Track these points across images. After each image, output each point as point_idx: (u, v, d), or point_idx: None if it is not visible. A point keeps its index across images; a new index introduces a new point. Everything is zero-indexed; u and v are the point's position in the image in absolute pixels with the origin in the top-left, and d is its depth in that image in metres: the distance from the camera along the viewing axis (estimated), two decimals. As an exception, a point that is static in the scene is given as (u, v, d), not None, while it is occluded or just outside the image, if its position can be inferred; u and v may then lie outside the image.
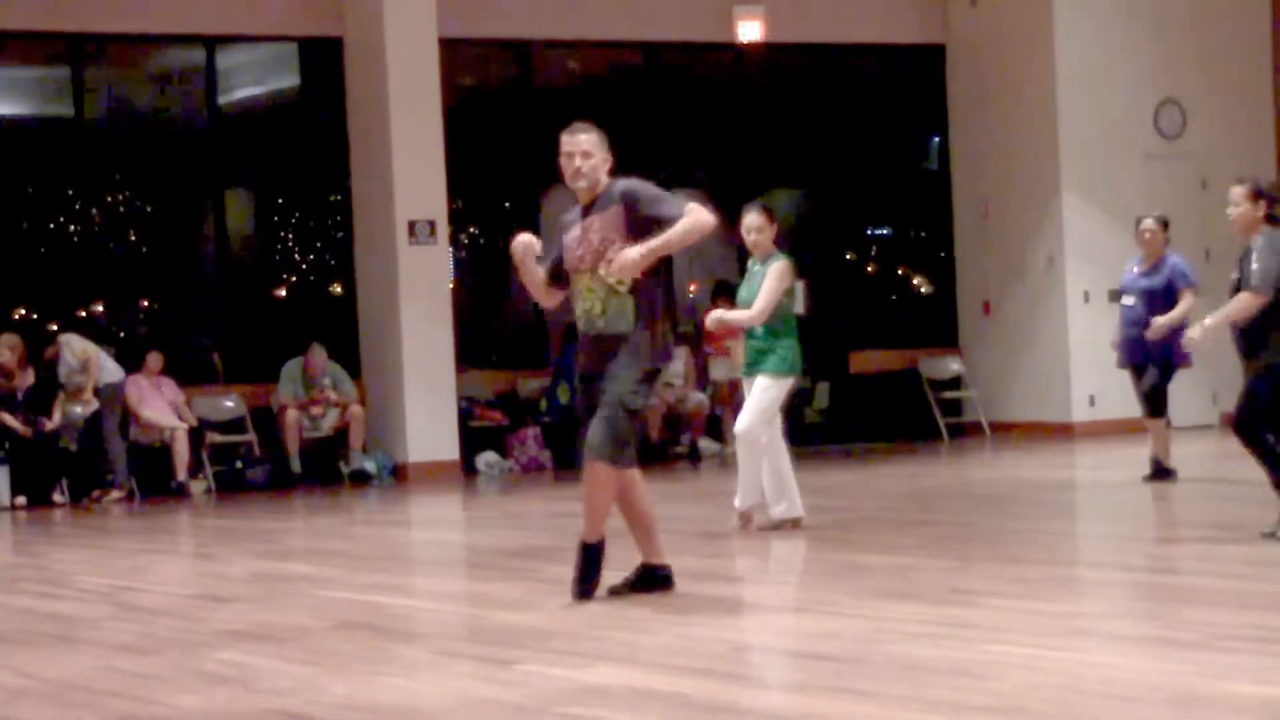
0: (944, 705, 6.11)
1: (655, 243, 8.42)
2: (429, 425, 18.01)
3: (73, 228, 18.90)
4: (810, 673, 6.79)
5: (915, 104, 21.46)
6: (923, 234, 21.95)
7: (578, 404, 8.87)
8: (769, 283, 11.34)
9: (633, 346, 8.51)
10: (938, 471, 17.36)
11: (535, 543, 11.87)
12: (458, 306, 18.51)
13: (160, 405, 17.49)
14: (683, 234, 8.41)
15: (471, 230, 20.30)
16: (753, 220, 11.52)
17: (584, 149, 8.67)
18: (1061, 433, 19.45)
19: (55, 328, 18.24)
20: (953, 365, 20.86)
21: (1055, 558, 10.34)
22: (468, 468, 18.23)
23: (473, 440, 18.51)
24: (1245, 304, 9.68)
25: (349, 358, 18.43)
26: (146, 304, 19.36)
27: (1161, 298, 13.26)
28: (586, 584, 8.69)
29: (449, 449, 18.08)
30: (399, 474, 17.93)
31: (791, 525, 11.40)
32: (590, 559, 8.71)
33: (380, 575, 10.72)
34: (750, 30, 19.49)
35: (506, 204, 20.49)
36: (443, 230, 18.13)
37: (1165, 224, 13.72)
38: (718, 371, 19.39)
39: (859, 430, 20.35)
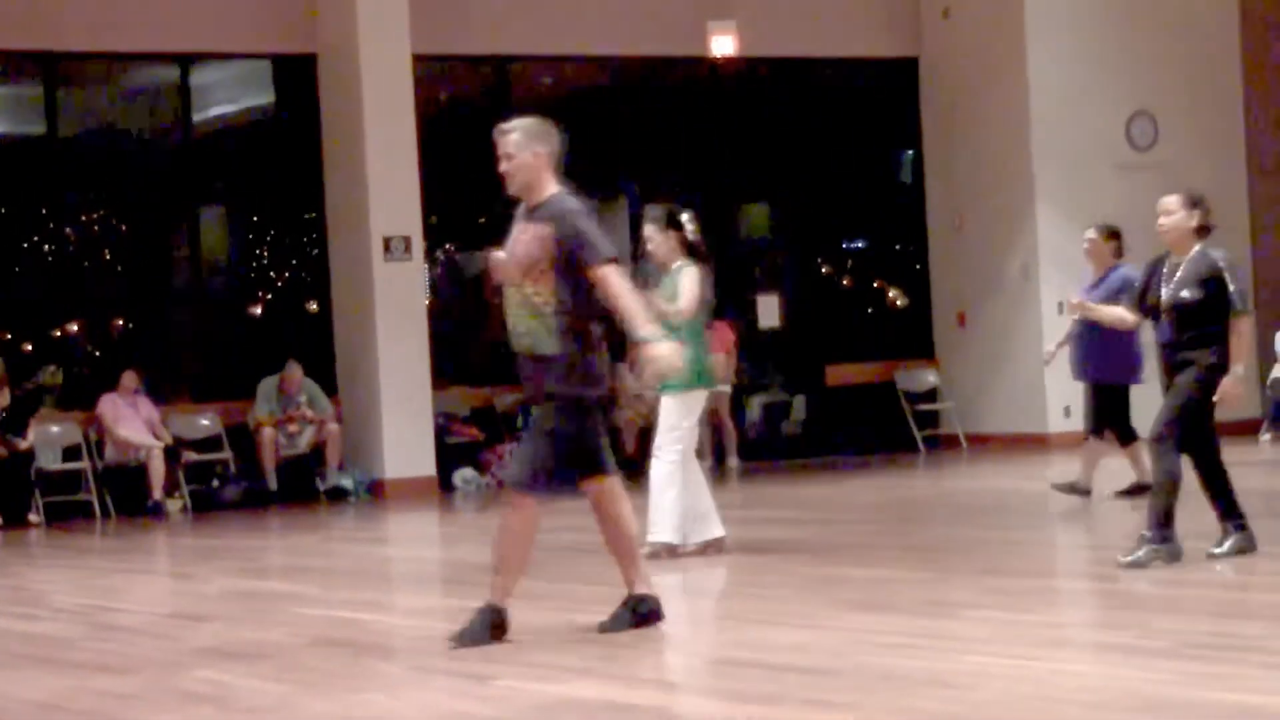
0: (921, 715, 6.13)
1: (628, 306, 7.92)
2: (406, 442, 18.00)
3: (47, 246, 18.87)
4: (786, 684, 6.81)
5: (888, 117, 21.52)
6: (897, 247, 22.00)
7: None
8: (689, 281, 10.89)
9: (556, 374, 7.97)
10: (914, 483, 17.39)
11: (512, 558, 11.84)
12: (433, 322, 18.51)
13: (136, 424, 17.46)
14: (625, 307, 7.89)
15: (447, 246, 20.30)
16: (651, 228, 11.13)
17: (506, 151, 8.13)
18: (1037, 444, 19.49)
19: (29, 347, 18.22)
20: (929, 377, 20.90)
21: (1031, 568, 10.36)
22: (445, 484, 18.21)
23: (450, 456, 18.50)
24: (1245, 330, 9.43)
25: (325, 375, 18.42)
26: (121, 322, 19.32)
27: None
28: (465, 640, 7.93)
29: (426, 465, 18.07)
30: (376, 491, 17.91)
31: (666, 553, 10.93)
32: (482, 622, 7.98)
33: (358, 592, 10.72)
34: (723, 44, 19.53)
35: (481, 220, 20.48)
36: (418, 246, 18.13)
37: (1112, 234, 13.35)
38: (694, 385, 19.36)
39: (836, 443, 20.38)
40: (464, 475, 18.47)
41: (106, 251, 19.15)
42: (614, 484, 8.16)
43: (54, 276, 18.58)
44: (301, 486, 17.97)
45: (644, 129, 20.51)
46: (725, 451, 19.37)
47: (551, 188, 8.10)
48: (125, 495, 17.32)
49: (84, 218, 18.95)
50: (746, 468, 19.10)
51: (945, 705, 6.24)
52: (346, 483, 17.87)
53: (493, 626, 7.96)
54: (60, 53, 18.10)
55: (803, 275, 21.35)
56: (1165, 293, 9.37)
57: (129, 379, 17.58)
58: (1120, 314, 10.01)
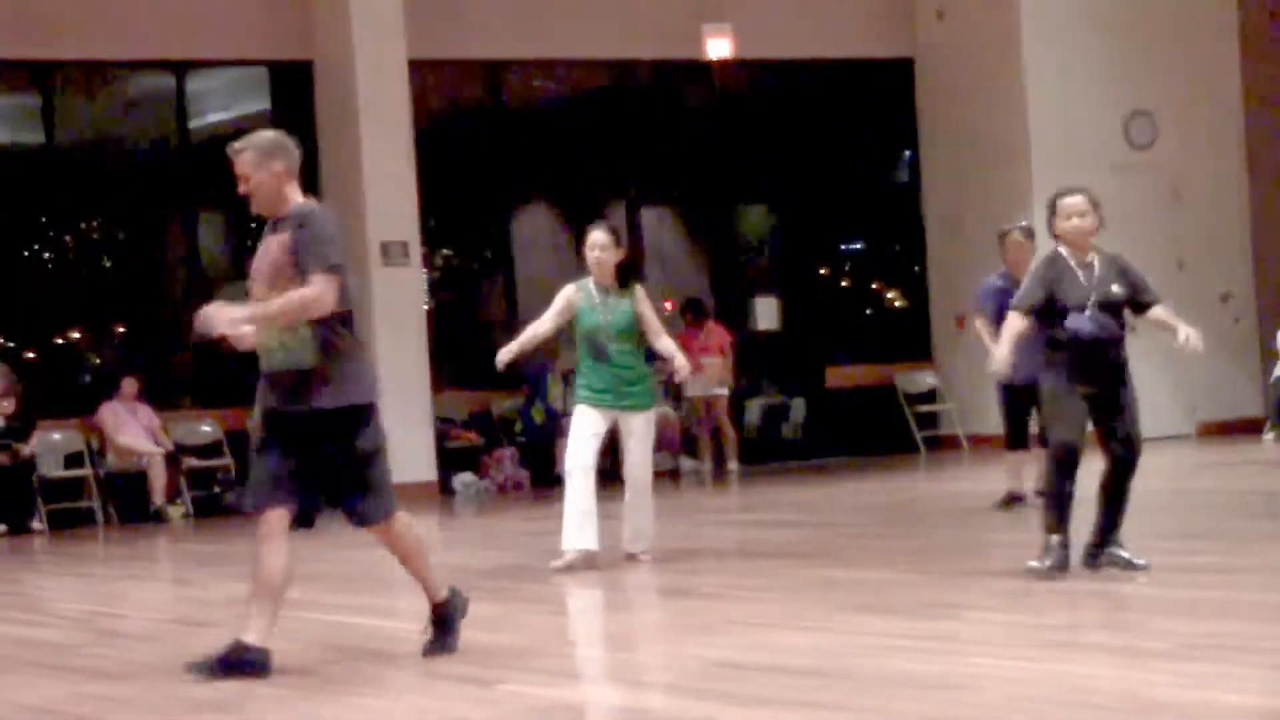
0: (922, 718, 6.13)
1: (260, 310, 7.53)
2: (405, 446, 17.91)
3: (45, 255, 18.89)
4: (784, 687, 6.81)
5: (885, 118, 21.53)
6: (895, 248, 22.02)
7: (255, 442, 7.85)
8: (650, 311, 10.92)
9: (342, 387, 7.61)
10: (915, 485, 17.39)
11: (513, 562, 11.87)
12: (432, 327, 18.52)
13: (136, 431, 17.47)
14: (293, 309, 7.43)
15: (444, 251, 20.32)
16: (599, 237, 10.93)
17: (242, 171, 7.73)
18: (1038, 445, 19.44)
19: (31, 355, 18.24)
20: (928, 379, 20.91)
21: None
22: (444, 488, 18.23)
23: (449, 461, 18.52)
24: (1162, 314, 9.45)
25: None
26: (121, 329, 19.34)
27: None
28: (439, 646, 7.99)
29: (426, 470, 18.08)
30: (376, 496, 17.87)
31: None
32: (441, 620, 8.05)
33: (360, 597, 10.73)
34: (719, 47, 19.54)
35: (479, 223, 20.54)
36: (415, 251, 18.15)
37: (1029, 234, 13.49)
38: (693, 389, 19.39)
39: (835, 445, 20.38)
40: (463, 479, 18.49)
41: (105, 258, 19.18)
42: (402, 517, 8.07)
43: (53, 284, 18.60)
44: (302, 492, 17.93)
45: (640, 132, 20.52)
46: (725, 455, 19.38)
47: (294, 200, 7.75)
48: (127, 502, 17.35)
49: (82, 225, 18.98)
50: (746, 471, 19.09)
51: (947, 708, 6.25)
52: (347, 488, 17.84)
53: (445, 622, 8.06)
54: (56, 61, 18.13)
55: (800, 277, 21.36)
56: (1092, 289, 9.36)
57: (129, 386, 17.59)
58: (1014, 328, 9.78)
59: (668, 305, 21.11)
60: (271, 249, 7.64)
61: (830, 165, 21.36)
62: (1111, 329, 9.34)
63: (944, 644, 7.60)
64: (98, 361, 19.03)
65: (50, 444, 17.45)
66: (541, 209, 20.95)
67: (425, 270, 18.80)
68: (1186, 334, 9.29)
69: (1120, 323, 9.39)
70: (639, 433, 10.89)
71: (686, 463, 19.40)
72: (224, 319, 7.51)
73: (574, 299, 10.99)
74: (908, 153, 21.58)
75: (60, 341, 18.96)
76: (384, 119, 17.99)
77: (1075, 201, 9.40)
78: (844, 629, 8.17)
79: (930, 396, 20.86)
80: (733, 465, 19.30)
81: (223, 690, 7.43)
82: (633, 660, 7.57)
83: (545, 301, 11.36)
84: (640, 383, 10.92)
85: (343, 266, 7.53)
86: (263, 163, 7.70)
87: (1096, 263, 9.36)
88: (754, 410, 20.76)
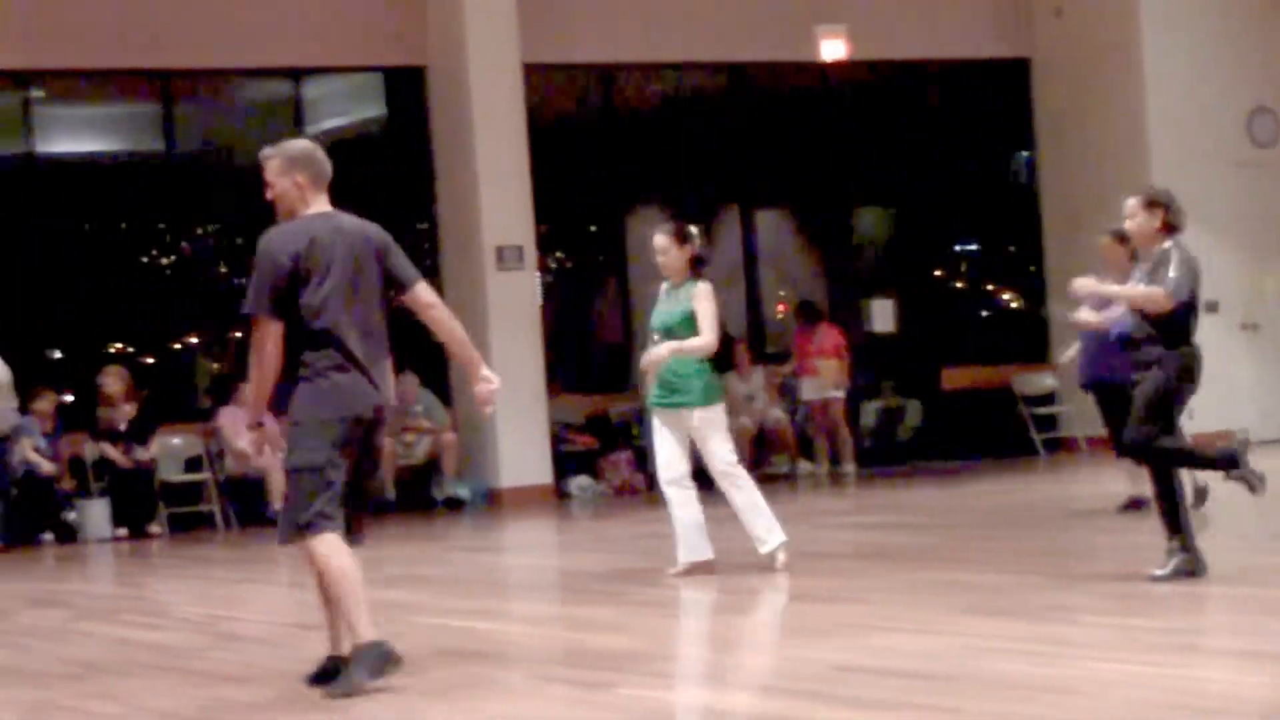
0: (1042, 723, 6.08)
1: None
2: (521, 450, 18.05)
3: (163, 261, 19.08)
4: (899, 690, 6.77)
5: (1002, 118, 21.36)
6: (1012, 248, 21.84)
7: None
8: (705, 304, 10.80)
9: (295, 402, 7.73)
10: (1032, 488, 17.23)
11: (628, 566, 11.87)
12: (547, 331, 18.55)
13: (255, 435, 17.57)
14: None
15: (558, 254, 20.35)
16: (660, 241, 10.96)
17: (268, 178, 7.85)
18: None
19: (150, 361, 18.44)
20: (1046, 380, 20.69)
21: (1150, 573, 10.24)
22: (560, 492, 18.25)
23: (565, 464, 18.54)
24: (1155, 298, 9.38)
25: (440, 385, 18.50)
26: (239, 335, 19.50)
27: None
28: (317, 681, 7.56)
29: (542, 473, 18.11)
30: (492, 499, 17.97)
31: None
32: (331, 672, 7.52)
33: (475, 600, 10.75)
34: (834, 48, 19.44)
35: (593, 227, 20.55)
36: (530, 255, 18.19)
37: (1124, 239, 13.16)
38: (808, 391, 19.34)
39: (952, 448, 20.22)
40: (579, 483, 18.50)
41: (222, 264, 19.34)
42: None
43: (171, 290, 18.79)
44: (418, 496, 18.06)
45: (754, 134, 20.47)
46: (841, 458, 19.29)
47: (316, 210, 7.82)
48: (246, 506, 17.47)
49: (199, 231, 19.15)
50: (862, 473, 19.00)
51: (1060, 712, 6.19)
52: (463, 492, 17.95)
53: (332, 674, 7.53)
54: (175, 70, 18.32)
55: (917, 278, 21.22)
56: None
57: (247, 391, 17.71)
58: (1156, 295, 9.72)
59: (781, 308, 21.06)
60: None
61: (947, 166, 21.21)
62: (1140, 328, 9.36)
63: (1059, 647, 7.52)
64: (215, 367, 19.20)
65: (170, 449, 17.62)
66: (655, 212, 20.95)
67: (539, 274, 18.82)
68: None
69: (1147, 325, 9.38)
70: (700, 430, 10.81)
71: (803, 465, 19.33)
72: None
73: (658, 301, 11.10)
74: (1025, 152, 21.40)
75: (178, 347, 19.15)
76: (498, 123, 18.04)
77: (1125, 205, 9.58)
78: (959, 631, 8.10)
79: (1049, 399, 20.65)
80: (849, 468, 19.20)
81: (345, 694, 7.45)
82: (751, 664, 7.54)
83: (651, 304, 11.35)
84: (695, 379, 10.79)
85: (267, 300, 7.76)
86: (287, 171, 7.75)
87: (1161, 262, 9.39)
88: (870, 412, 20.64)
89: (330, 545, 7.42)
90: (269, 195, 7.81)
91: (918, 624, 8.46)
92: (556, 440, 18.52)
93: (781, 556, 10.70)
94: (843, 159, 20.74)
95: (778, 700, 6.69)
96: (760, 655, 7.73)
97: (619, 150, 19.96)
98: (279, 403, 7.69)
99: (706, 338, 10.79)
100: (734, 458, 10.90)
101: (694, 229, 11.14)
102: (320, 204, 7.81)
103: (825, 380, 19.14)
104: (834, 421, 19.29)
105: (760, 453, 19.25)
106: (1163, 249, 9.43)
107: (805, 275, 21.05)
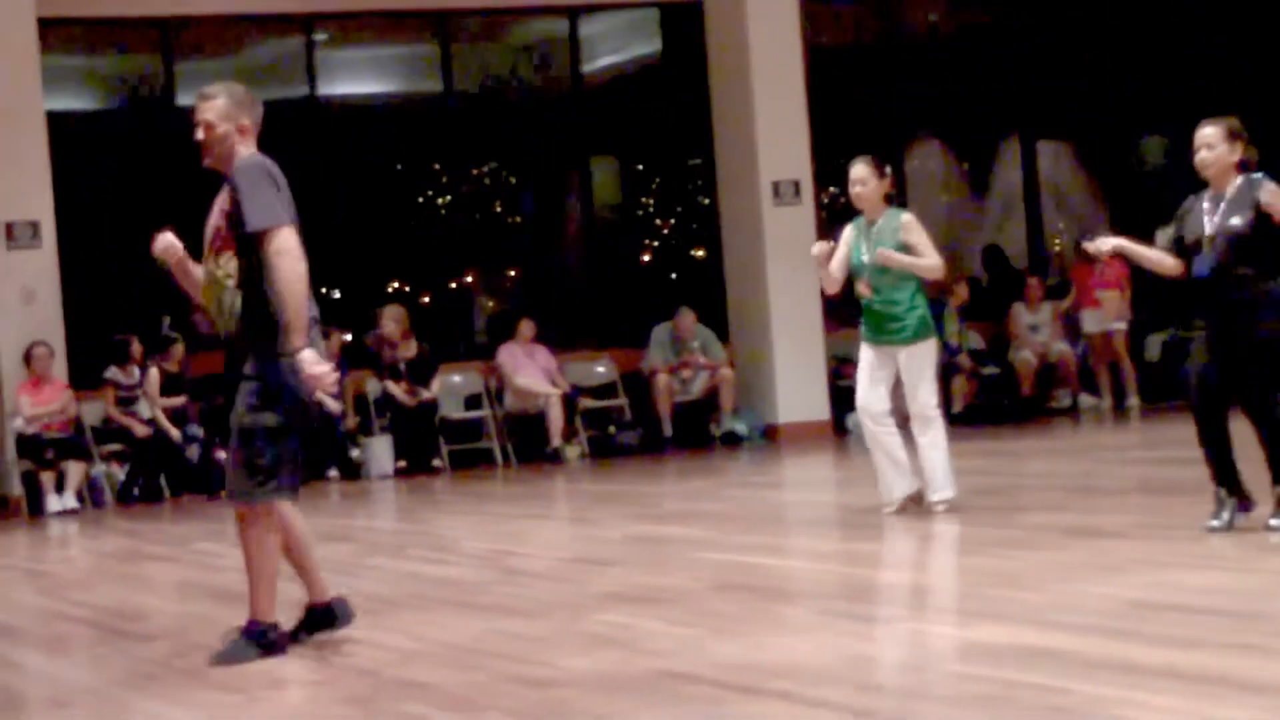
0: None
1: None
2: (799, 386, 17.98)
3: (440, 200, 19.32)
4: (1199, 627, 6.56)
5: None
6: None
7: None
8: (919, 233, 10.61)
9: (256, 358, 7.19)
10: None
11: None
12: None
13: (534, 372, 17.76)
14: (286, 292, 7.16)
15: (832, 189, 20.19)
16: (859, 172, 10.80)
17: (206, 118, 7.25)
18: None
19: (427, 299, 18.70)
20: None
21: None
22: (839, 428, 18.14)
23: (843, 400, 18.40)
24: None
25: (717, 321, 18.49)
26: (516, 273, 19.70)
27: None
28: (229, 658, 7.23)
29: (820, 409, 18.03)
30: (770, 435, 17.94)
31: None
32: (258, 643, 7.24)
33: (755, 536, 10.72)
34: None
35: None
36: (807, 190, 18.06)
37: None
38: (1090, 324, 18.97)
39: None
40: (857, 419, 18.33)
41: (498, 204, 19.52)
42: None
43: (450, 229, 19.02)
44: (696, 432, 18.09)
45: (1034, 62, 20.06)
46: (1125, 390, 18.90)
47: (242, 155, 7.27)
48: (525, 442, 17.66)
49: (475, 171, 19.34)
50: (1146, 407, 18.59)
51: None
52: (740, 428, 17.93)
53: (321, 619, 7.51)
54: (453, 10, 18.49)
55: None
56: (1210, 225, 8.81)
57: (526, 328, 17.88)
58: (1160, 256, 9.21)
59: (1057, 242, 20.66)
60: (214, 211, 7.32)
61: (1234, 91, 20.54)
62: (1212, 266, 8.74)
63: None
64: (492, 304, 19.41)
65: (450, 386, 17.86)
66: (934, 146, 20.69)
67: (815, 209, 18.68)
68: None
69: (1240, 263, 8.71)
70: (907, 366, 10.63)
71: (1086, 399, 18.99)
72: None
73: (849, 238, 10.83)
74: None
75: (455, 286, 19.39)
76: (775, 57, 17.92)
77: (1203, 134, 8.87)
78: (1265, 568, 7.86)
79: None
80: (1132, 401, 18.80)
81: (628, 628, 7.48)
82: (1039, 600, 7.38)
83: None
84: (906, 316, 10.60)
85: (283, 223, 7.20)
86: (234, 114, 7.28)
87: (1227, 197, 8.77)
88: (1153, 345, 20.16)
89: (274, 522, 7.26)
90: (201, 136, 7.26)
91: (1214, 560, 8.23)
92: (834, 376, 18.40)
93: (942, 509, 10.50)
94: (1125, 86, 20.21)
95: (1069, 636, 6.53)
96: (1049, 591, 7.56)
97: (895, 82, 19.71)
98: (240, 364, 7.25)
99: (935, 258, 10.62)
100: (935, 400, 10.73)
101: (886, 165, 10.99)
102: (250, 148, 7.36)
103: (1107, 312, 18.77)
104: (1116, 354, 18.90)
105: (1043, 386, 18.95)
106: (1251, 179, 8.83)
107: (1087, 207, 20.63)
